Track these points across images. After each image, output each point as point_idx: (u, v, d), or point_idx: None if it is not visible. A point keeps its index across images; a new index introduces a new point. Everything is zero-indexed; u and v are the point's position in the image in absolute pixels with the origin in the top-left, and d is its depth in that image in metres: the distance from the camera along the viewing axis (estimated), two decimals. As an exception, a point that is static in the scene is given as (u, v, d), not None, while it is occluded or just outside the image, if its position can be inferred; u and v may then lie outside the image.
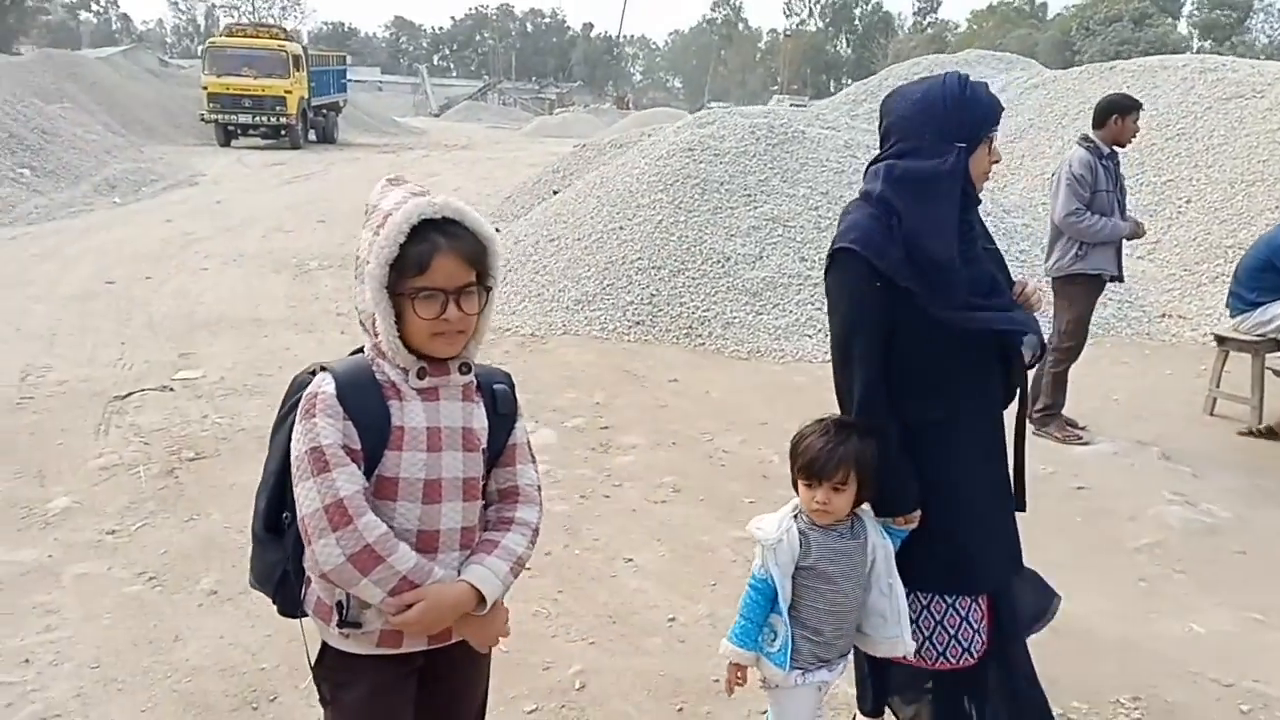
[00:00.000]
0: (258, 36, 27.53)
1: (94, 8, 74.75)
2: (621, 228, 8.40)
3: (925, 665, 2.41)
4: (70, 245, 10.80)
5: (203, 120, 26.06)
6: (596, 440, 5.15)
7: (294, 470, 1.58)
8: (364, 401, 1.60)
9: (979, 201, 2.35)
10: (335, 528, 1.53)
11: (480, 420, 1.72)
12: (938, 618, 2.38)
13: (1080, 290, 5.34)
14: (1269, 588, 3.78)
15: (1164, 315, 8.36)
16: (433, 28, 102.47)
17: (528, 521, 1.76)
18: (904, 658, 2.40)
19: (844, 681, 2.89)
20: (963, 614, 2.37)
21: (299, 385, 1.70)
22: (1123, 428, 5.63)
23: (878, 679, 2.62)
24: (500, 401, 1.77)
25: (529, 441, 1.85)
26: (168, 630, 3.23)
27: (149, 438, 5.03)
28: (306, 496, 1.55)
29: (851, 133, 10.35)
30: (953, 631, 2.37)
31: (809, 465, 2.17)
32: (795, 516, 2.23)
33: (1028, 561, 2.52)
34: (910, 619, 2.32)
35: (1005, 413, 2.41)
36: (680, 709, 2.87)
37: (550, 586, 3.59)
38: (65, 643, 3.14)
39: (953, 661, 2.37)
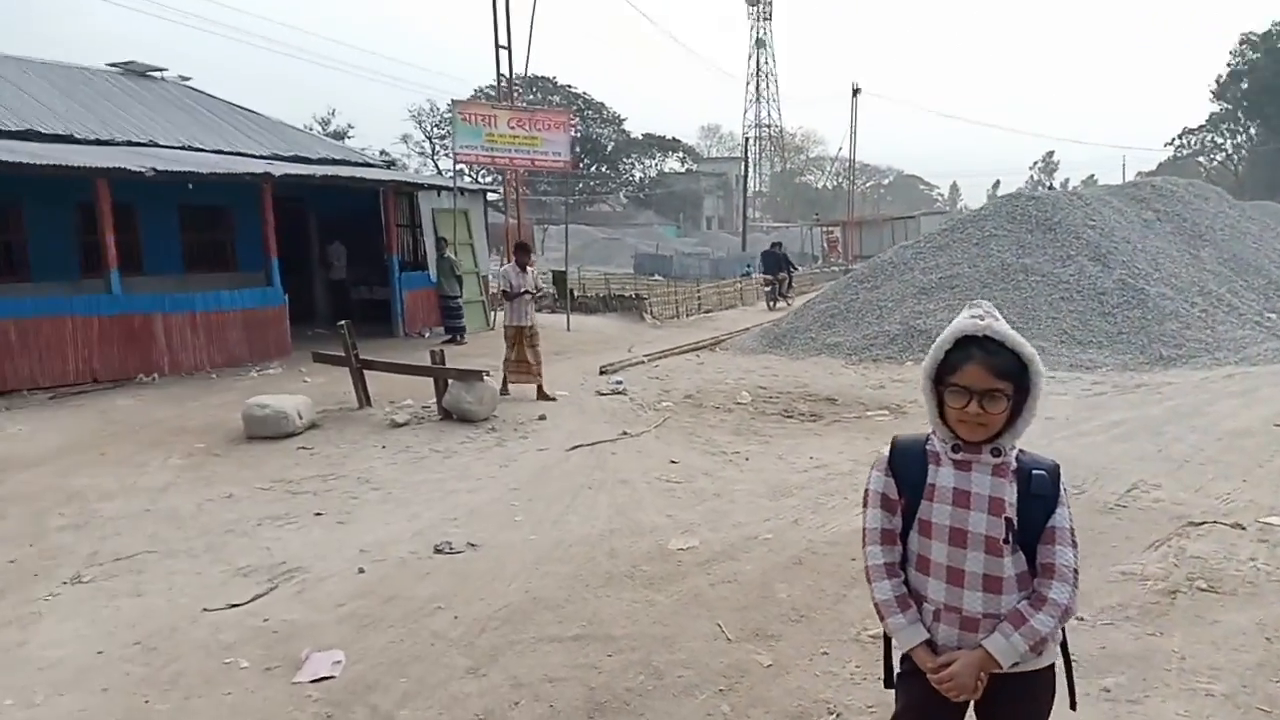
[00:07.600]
0: None
1: None
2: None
3: None
4: (1270, 386, 10.01)
5: None
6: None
7: None
8: (909, 463, 2.18)
9: None
10: (863, 545, 2.24)
11: (1009, 494, 2.09)
12: None
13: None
14: None
15: None
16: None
17: (1058, 602, 2.06)
18: None
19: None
20: None
21: None
22: None
23: None
24: (1034, 484, 2.11)
25: (1071, 528, 2.12)
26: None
27: (1184, 562, 5.06)
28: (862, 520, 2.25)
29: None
30: None
31: None
32: None
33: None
34: None
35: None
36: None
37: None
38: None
39: None
